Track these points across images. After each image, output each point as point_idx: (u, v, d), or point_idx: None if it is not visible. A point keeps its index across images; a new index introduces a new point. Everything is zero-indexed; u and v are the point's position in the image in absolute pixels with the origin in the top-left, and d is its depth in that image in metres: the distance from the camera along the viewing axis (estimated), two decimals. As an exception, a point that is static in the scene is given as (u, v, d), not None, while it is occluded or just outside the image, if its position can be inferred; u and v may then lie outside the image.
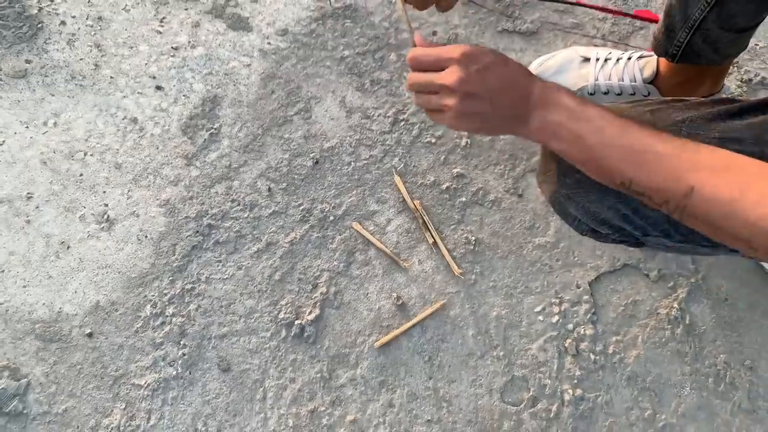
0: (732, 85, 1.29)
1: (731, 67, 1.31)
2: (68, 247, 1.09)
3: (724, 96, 1.00)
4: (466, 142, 1.21)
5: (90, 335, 1.06)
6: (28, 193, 1.12)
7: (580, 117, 0.68)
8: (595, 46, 1.31)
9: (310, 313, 1.09)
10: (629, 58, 1.21)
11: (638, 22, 1.33)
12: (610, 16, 1.33)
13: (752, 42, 1.32)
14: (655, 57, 1.18)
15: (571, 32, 1.31)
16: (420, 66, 0.74)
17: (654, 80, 1.17)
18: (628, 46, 1.32)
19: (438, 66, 0.72)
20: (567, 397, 1.08)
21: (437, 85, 0.71)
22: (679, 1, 0.99)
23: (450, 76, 0.70)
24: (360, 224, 1.15)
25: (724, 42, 1.02)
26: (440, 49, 0.72)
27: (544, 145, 0.75)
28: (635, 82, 1.19)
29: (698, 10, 0.96)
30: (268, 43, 1.25)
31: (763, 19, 0.98)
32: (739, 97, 0.76)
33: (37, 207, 1.11)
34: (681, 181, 0.62)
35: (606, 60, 1.22)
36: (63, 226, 1.11)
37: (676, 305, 1.13)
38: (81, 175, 1.14)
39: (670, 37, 1.06)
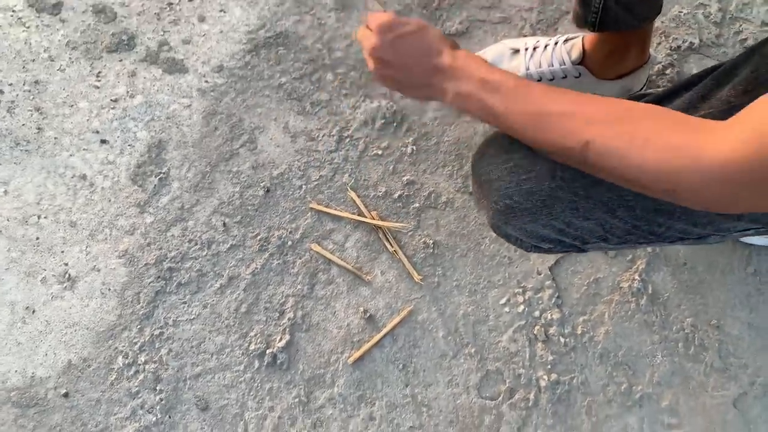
0: (661, 54, 1.29)
1: (659, 37, 1.31)
2: (34, 312, 1.08)
3: (636, 93, 1.01)
4: (412, 149, 1.21)
5: (66, 395, 1.04)
6: (-13, 265, 1.11)
7: (488, 87, 0.70)
8: (525, 36, 1.31)
9: (281, 340, 1.07)
10: (556, 43, 1.20)
11: (564, 6, 1.33)
12: (536, 5, 1.33)
13: (676, 9, 1.33)
14: (581, 37, 1.18)
15: (499, 26, 1.31)
16: (366, 25, 0.80)
17: (582, 60, 1.17)
18: (558, 33, 1.32)
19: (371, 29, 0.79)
20: (543, 384, 1.07)
21: (363, 46, 0.79)
22: None
23: (367, 41, 0.77)
24: (319, 245, 1.14)
25: (636, 1, 1.02)
26: (372, 15, 0.78)
27: (460, 112, 0.79)
28: (564, 65, 1.19)
29: None
30: (206, 82, 1.24)
31: None
32: (649, 91, 0.78)
33: (-2, 276, 1.10)
34: (577, 137, 0.64)
35: (534, 48, 1.22)
36: (26, 292, 1.09)
37: (637, 277, 1.13)
38: (37, 238, 1.12)
39: (586, 5, 1.06)
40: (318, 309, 1.10)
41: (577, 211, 0.73)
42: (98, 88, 1.23)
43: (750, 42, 1.31)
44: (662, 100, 0.76)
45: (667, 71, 1.28)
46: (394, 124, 1.22)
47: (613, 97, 0.66)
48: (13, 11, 1.28)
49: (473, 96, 0.71)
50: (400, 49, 0.75)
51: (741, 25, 1.33)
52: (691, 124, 0.58)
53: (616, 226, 0.73)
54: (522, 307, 1.11)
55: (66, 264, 1.11)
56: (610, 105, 0.64)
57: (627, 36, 1.12)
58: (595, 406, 1.07)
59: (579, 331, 1.10)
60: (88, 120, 1.21)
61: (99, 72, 1.24)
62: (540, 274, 1.13)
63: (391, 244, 1.14)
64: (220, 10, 1.29)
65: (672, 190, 0.59)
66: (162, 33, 1.27)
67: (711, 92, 0.72)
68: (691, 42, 1.30)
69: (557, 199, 0.73)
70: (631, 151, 0.60)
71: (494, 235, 1.15)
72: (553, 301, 1.11)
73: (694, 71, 1.28)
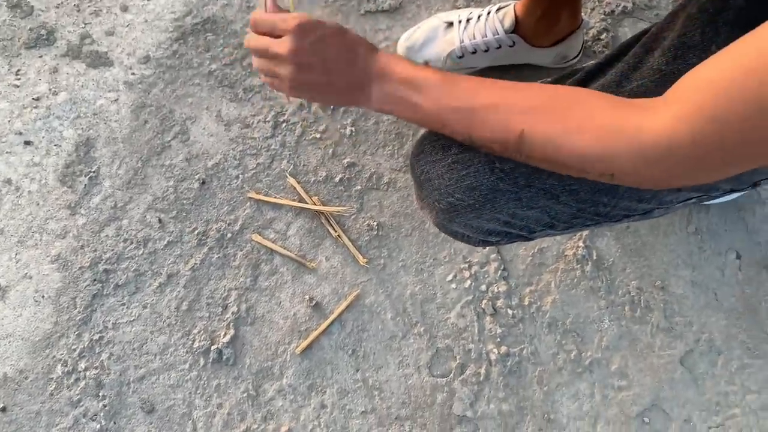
0: (595, 19, 1.27)
1: (593, 2, 1.29)
2: (-36, 326, 1.02)
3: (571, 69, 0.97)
4: (351, 131, 1.17)
5: (3, 409, 0.99)
6: None
7: (414, 86, 0.66)
8: (458, 9, 1.27)
9: (225, 335, 1.04)
10: (488, 13, 1.17)
11: (496, -23, 1.30)
12: (466, -24, 1.29)
13: (608, -27, 1.30)
14: (512, 5, 1.15)
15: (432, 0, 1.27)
16: (259, 30, 0.69)
17: (516, 29, 1.14)
18: (491, 3, 1.28)
19: (275, 33, 0.67)
20: (493, 357, 1.05)
21: (272, 53, 0.67)
22: None
23: (283, 45, 0.66)
24: (260, 235, 1.10)
25: None
26: (278, 16, 0.67)
27: (382, 113, 0.72)
28: (498, 34, 1.15)
29: None
30: (132, 74, 1.18)
31: None
32: (582, 66, 0.75)
33: (-77, 292, 1.04)
34: (510, 128, 0.61)
35: (468, 20, 1.18)
36: (-46, 306, 1.03)
37: (581, 244, 1.11)
38: (-37, 249, 1.06)
39: None
40: (262, 301, 1.07)
41: (520, 201, 0.70)
42: (18, 87, 1.16)
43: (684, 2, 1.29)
44: (596, 73, 0.73)
45: (602, 36, 1.26)
46: (331, 107, 1.18)
47: (542, 83, 0.63)
48: None
49: (399, 97, 0.66)
50: (322, 52, 0.67)
51: (672, -14, 1.31)
52: (624, 105, 0.56)
53: (561, 212, 0.71)
54: (468, 282, 1.09)
55: (-5, 273, 1.05)
56: (539, 92, 0.62)
57: (557, -1, 1.09)
58: (546, 376, 1.06)
59: (526, 302, 1.08)
60: (9, 121, 1.14)
61: (18, 70, 1.17)
62: (485, 249, 1.10)
63: (334, 229, 1.10)
64: (143, -1, 1.23)
65: (611, 173, 0.57)
66: (83, 25, 1.20)
67: (641, 61, 0.69)
68: (624, 6, 1.28)
69: (499, 191, 0.70)
70: (566, 139, 0.58)
71: (418, 208, 1.12)
72: (499, 274, 1.09)
73: (629, 35, 1.26)
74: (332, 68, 0.67)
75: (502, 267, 1.09)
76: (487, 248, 1.10)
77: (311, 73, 0.67)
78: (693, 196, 0.72)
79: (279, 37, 0.67)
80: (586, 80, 0.73)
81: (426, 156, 0.76)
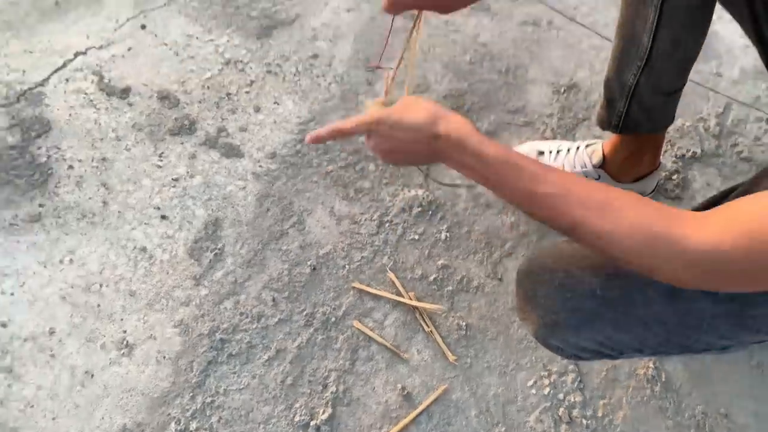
0: (668, 161, 1.41)
1: (665, 146, 1.43)
2: (92, 376, 1.11)
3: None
4: (446, 236, 1.29)
5: (120, 459, 1.06)
6: (51, 329, 1.14)
7: (483, 161, 0.73)
8: (546, 139, 1.42)
9: (323, 412, 1.11)
10: (578, 148, 1.31)
11: (581, 115, 1.45)
12: (556, 112, 1.45)
13: (680, 121, 1.45)
14: (600, 143, 1.29)
15: (523, 129, 1.42)
16: (346, 135, 0.84)
17: (602, 165, 1.28)
18: (576, 137, 1.43)
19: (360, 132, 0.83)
20: (568, 464, 1.12)
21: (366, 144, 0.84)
22: (615, 71, 1.12)
23: (367, 143, 0.83)
24: (360, 322, 1.20)
25: (656, 107, 1.14)
26: (358, 119, 0.82)
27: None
28: (586, 167, 1.29)
29: (632, 75, 1.09)
30: (260, 166, 1.33)
31: (683, 84, 1.12)
32: None
33: (60, 341, 1.14)
34: (566, 218, 0.68)
35: (558, 152, 1.33)
36: (86, 356, 1.13)
37: (651, 365, 1.20)
38: (99, 305, 1.17)
39: (611, 108, 1.18)
40: (358, 384, 1.15)
41: (616, 326, 0.80)
42: (160, 167, 1.31)
43: (745, 154, 1.43)
44: None
45: (674, 177, 1.39)
46: (429, 212, 1.31)
47: (599, 182, 0.72)
48: (86, 94, 1.37)
49: (470, 167, 0.75)
50: (396, 140, 0.79)
51: (737, 139, 1.45)
52: (672, 213, 0.64)
53: (651, 339, 0.80)
54: (548, 389, 1.16)
55: (124, 331, 1.15)
56: (596, 189, 0.69)
57: (643, 142, 1.23)
58: (615, 487, 1.11)
59: (600, 414, 1.16)
60: (150, 197, 1.28)
61: (162, 153, 1.32)
62: (563, 359, 1.19)
63: (427, 325, 1.20)
64: (274, 103, 1.39)
65: (651, 270, 0.65)
66: (221, 120, 1.37)
67: None
68: (694, 151, 1.42)
69: (598, 316, 0.80)
70: (615, 238, 0.65)
71: (519, 318, 1.22)
72: (576, 385, 1.17)
73: (698, 178, 1.40)
74: (407, 151, 0.80)
75: (578, 378, 1.18)
76: (566, 359, 1.19)
77: (393, 157, 0.82)
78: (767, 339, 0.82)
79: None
80: None
81: (534, 276, 0.87)
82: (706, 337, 0.79)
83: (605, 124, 1.22)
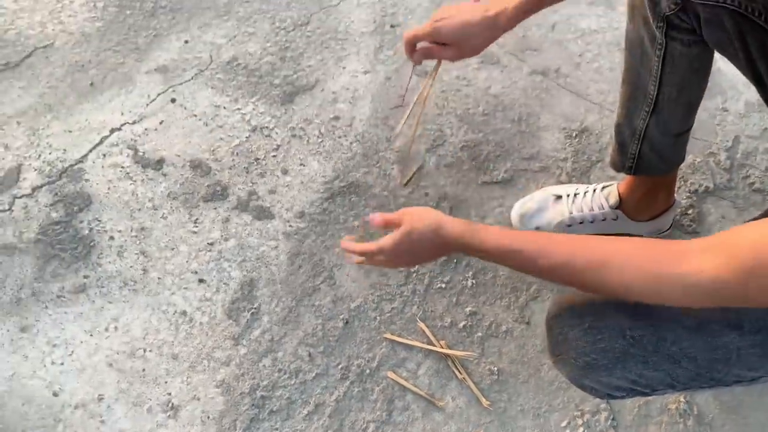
0: (681, 197, 1.45)
1: (679, 182, 1.47)
2: (141, 439, 1.16)
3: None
4: (472, 283, 1.33)
5: None
6: (99, 395, 1.20)
7: (486, 256, 0.85)
8: (562, 183, 1.47)
9: (366, 463, 1.15)
10: (594, 190, 1.36)
11: (594, 157, 1.51)
12: (570, 156, 1.50)
13: (691, 158, 1.50)
14: (615, 185, 1.34)
15: (539, 174, 1.48)
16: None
17: (619, 205, 1.32)
18: (590, 179, 1.48)
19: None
20: (608, 503, 1.13)
21: (370, 257, 0.99)
22: (625, 116, 1.18)
23: (378, 262, 1.00)
24: (394, 372, 1.24)
25: (666, 148, 1.19)
26: (367, 246, 0.98)
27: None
28: (603, 209, 1.34)
29: (641, 120, 1.14)
30: (290, 226, 1.39)
31: (692, 125, 1.18)
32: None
33: (109, 407, 1.19)
34: (575, 281, 0.78)
35: (575, 195, 1.37)
36: (133, 420, 1.18)
37: (682, 399, 1.22)
38: (143, 370, 1.22)
39: (623, 152, 1.23)
40: (397, 433, 1.18)
41: (647, 364, 0.83)
42: (196, 233, 1.37)
43: (757, 185, 1.47)
44: None
45: (689, 212, 1.43)
46: (455, 261, 1.36)
47: (599, 237, 0.79)
48: (122, 167, 1.45)
49: (478, 258, 0.88)
50: (406, 251, 0.93)
51: (748, 171, 1.49)
52: (672, 250, 0.70)
53: (682, 375, 0.83)
54: (581, 429, 1.19)
55: (169, 394, 1.20)
56: (597, 248, 0.76)
57: (657, 181, 1.28)
58: None
59: (636, 452, 1.17)
60: (187, 262, 1.34)
61: (197, 219, 1.39)
62: (595, 398, 1.21)
63: (459, 372, 1.23)
64: (300, 164, 1.47)
65: (662, 303, 0.72)
66: (251, 184, 1.44)
67: None
68: (706, 186, 1.46)
69: (629, 355, 0.84)
70: (624, 286, 0.72)
71: (551, 362, 1.25)
72: (609, 423, 1.19)
73: (713, 212, 1.44)
74: (417, 261, 0.99)
75: (611, 417, 1.20)
76: (597, 398, 1.21)
77: (406, 265, 0.99)
78: None
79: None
80: None
81: (563, 319, 0.91)
82: (735, 369, 0.82)
83: (619, 167, 1.27)
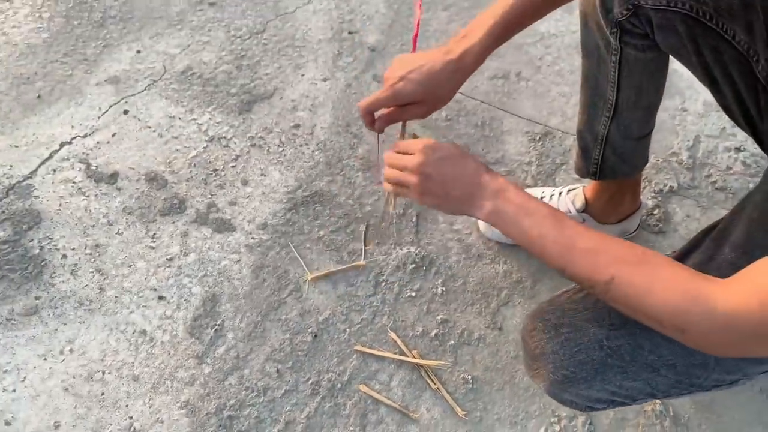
0: (647, 197, 1.46)
1: (643, 182, 1.48)
2: (100, 469, 1.09)
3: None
4: (442, 290, 1.31)
5: None
6: (56, 422, 1.12)
7: (526, 211, 0.76)
8: (527, 187, 1.46)
9: (340, 481, 1.10)
10: (560, 194, 1.35)
11: (558, 160, 1.51)
12: (534, 159, 1.50)
13: (654, 159, 1.51)
14: (581, 188, 1.33)
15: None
16: (398, 150, 0.88)
17: (585, 208, 1.32)
18: (555, 182, 1.48)
19: (407, 152, 0.85)
20: None
21: (403, 165, 0.84)
22: (586, 123, 1.17)
23: (413, 159, 0.83)
24: (366, 385, 1.20)
25: (629, 152, 1.19)
26: (411, 141, 0.86)
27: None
28: (570, 212, 1.33)
29: (602, 126, 1.13)
30: (252, 238, 1.34)
31: (652, 128, 1.18)
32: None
33: (64, 435, 1.12)
34: (602, 273, 0.70)
35: (542, 198, 1.37)
36: (92, 449, 1.11)
37: (658, 401, 1.21)
38: (102, 394, 1.16)
39: (587, 158, 1.22)
40: (371, 448, 1.14)
41: (626, 374, 0.82)
42: (154, 248, 1.32)
43: (720, 184, 1.49)
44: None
45: (655, 212, 1.44)
46: (423, 268, 1.33)
47: (632, 242, 0.75)
48: (74, 182, 1.38)
49: (510, 216, 0.77)
50: (444, 167, 0.81)
51: (710, 169, 1.51)
52: (702, 276, 0.67)
53: (662, 383, 0.82)
54: (559, 434, 1.17)
55: (131, 417, 1.14)
56: (633, 246, 0.72)
57: (622, 184, 1.28)
58: None
59: (614, 455, 1.16)
60: (145, 278, 1.28)
61: (154, 234, 1.33)
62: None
63: (433, 382, 1.20)
64: (261, 174, 1.42)
65: (682, 330, 0.67)
66: (210, 196, 1.39)
67: (715, 253, 0.81)
68: (671, 186, 1.48)
69: (608, 366, 0.82)
70: (649, 293, 0.67)
71: (529, 376, 1.23)
72: (586, 428, 1.18)
73: (678, 212, 1.45)
74: (449, 182, 0.81)
75: (588, 421, 1.18)
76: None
77: (432, 183, 0.81)
78: None
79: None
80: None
81: (539, 333, 0.88)
82: (714, 374, 0.81)
83: (583, 172, 1.27)
